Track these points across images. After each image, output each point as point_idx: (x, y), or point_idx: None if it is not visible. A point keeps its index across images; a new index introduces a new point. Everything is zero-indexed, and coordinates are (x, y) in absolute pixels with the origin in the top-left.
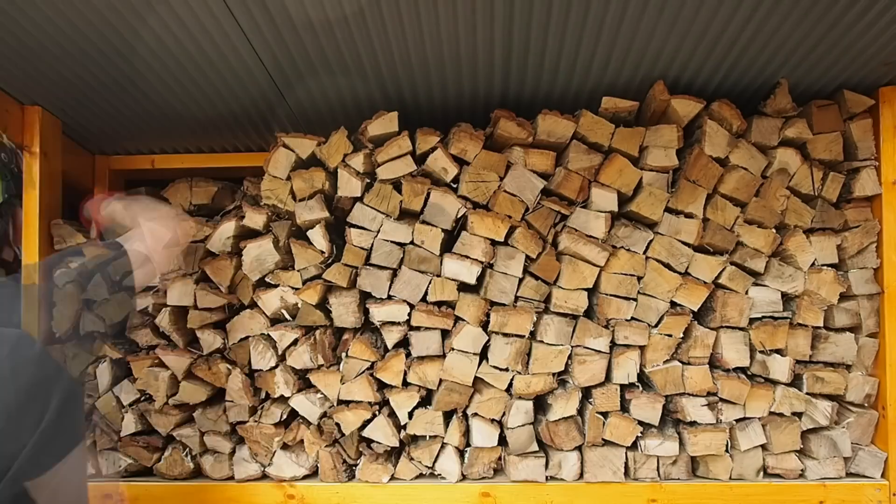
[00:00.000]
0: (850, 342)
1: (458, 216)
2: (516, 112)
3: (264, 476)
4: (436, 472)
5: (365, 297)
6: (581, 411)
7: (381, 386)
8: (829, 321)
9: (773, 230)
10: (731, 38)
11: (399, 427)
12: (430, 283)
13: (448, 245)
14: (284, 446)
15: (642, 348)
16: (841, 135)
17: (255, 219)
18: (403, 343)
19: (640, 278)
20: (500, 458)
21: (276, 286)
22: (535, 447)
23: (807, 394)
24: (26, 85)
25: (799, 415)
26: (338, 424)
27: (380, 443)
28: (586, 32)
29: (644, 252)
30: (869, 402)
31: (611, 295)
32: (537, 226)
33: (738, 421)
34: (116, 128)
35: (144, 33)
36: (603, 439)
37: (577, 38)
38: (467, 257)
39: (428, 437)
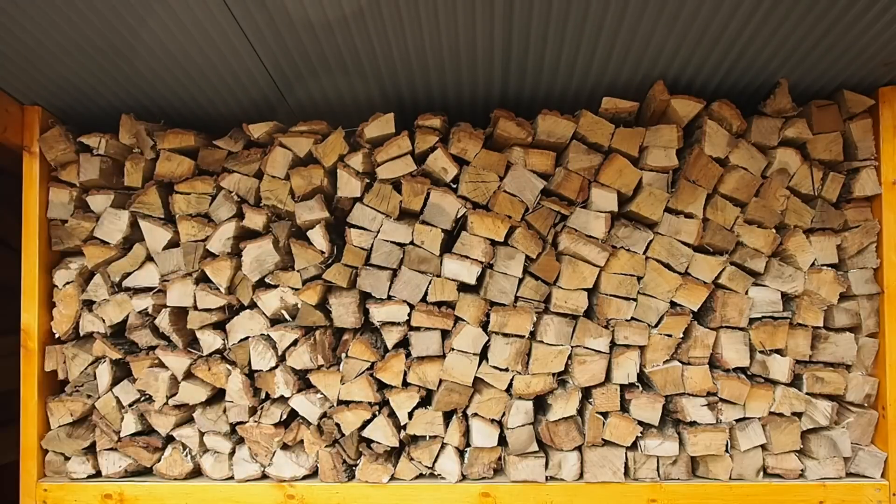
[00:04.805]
0: (850, 342)
1: (458, 216)
2: (516, 112)
3: (264, 476)
4: (436, 473)
5: (365, 297)
6: (581, 411)
7: (381, 386)
8: (829, 321)
9: (773, 230)
10: (731, 38)
11: (399, 427)
12: (430, 283)
13: (448, 245)
14: (284, 446)
15: (642, 348)
16: (841, 135)
17: (254, 219)
18: (403, 343)
19: (640, 278)
20: (500, 458)
21: (275, 286)
22: (535, 447)
23: (807, 394)
24: (26, 85)
25: (799, 415)
26: (338, 424)
27: (380, 443)
28: (586, 32)
29: (644, 252)
30: (869, 402)
31: (611, 295)
32: (537, 226)
33: (738, 421)
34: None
35: (144, 33)
36: (603, 439)
37: (577, 38)
38: (467, 257)
39: (428, 438)
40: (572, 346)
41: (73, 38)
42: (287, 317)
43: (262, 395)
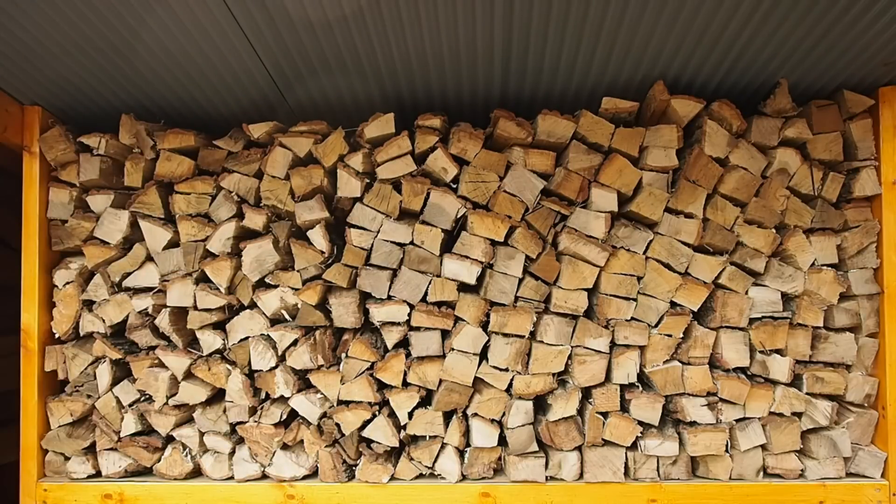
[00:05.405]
0: (850, 342)
1: (458, 216)
2: (516, 112)
3: (264, 476)
4: (436, 473)
5: (365, 297)
6: (581, 411)
7: (381, 386)
8: (829, 321)
9: (773, 230)
10: (731, 38)
11: (399, 427)
12: (430, 283)
13: (448, 245)
14: (284, 446)
15: (642, 348)
16: (841, 135)
17: (254, 219)
18: (403, 343)
19: (640, 278)
20: (500, 458)
21: (275, 286)
22: (535, 447)
23: (807, 394)
24: (26, 85)
25: (799, 415)
26: (338, 424)
27: (380, 443)
28: (586, 32)
29: (644, 252)
30: (869, 402)
31: (611, 295)
32: (537, 226)
33: (738, 421)
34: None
35: (144, 33)
36: (603, 439)
37: (577, 38)
38: (467, 257)
39: (428, 438)
40: (572, 346)
41: (73, 38)
42: (287, 317)
43: (262, 395)
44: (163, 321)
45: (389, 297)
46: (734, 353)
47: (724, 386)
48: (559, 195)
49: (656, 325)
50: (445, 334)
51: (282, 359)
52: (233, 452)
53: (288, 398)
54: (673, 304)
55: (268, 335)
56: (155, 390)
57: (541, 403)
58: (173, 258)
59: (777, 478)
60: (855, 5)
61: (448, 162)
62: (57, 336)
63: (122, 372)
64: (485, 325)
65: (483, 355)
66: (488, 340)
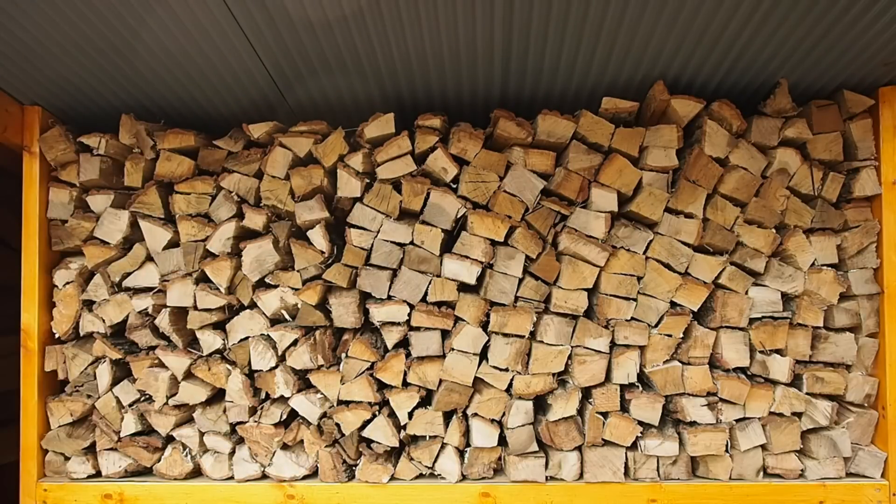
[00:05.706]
0: (850, 342)
1: (458, 216)
2: (516, 112)
3: (264, 476)
4: (436, 473)
5: (365, 297)
6: (581, 411)
7: (381, 386)
8: (828, 321)
9: (773, 230)
10: (731, 38)
11: (399, 427)
12: (430, 283)
13: (448, 245)
14: (284, 446)
15: (642, 348)
16: (841, 135)
17: (254, 219)
18: (403, 343)
19: (640, 278)
20: (499, 458)
21: (275, 286)
22: (535, 447)
23: (807, 394)
24: (26, 85)
25: (799, 415)
26: (338, 424)
27: (380, 443)
28: (586, 32)
29: (644, 252)
30: (869, 402)
31: (611, 295)
32: (537, 226)
33: (738, 421)
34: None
35: (144, 33)
36: (603, 439)
37: (577, 38)
38: (467, 257)
39: (428, 438)
40: (572, 346)
41: (73, 38)
42: (287, 317)
43: (262, 395)
44: (163, 321)
45: (389, 297)
46: (734, 353)
47: (724, 386)
48: (559, 195)
49: (656, 325)
50: (445, 334)
51: (282, 359)
52: (233, 452)
53: (288, 398)
54: (673, 304)
55: (268, 335)
56: (155, 390)
57: (541, 403)
58: (173, 258)
59: (777, 478)
60: (855, 5)
61: (448, 162)
62: (57, 336)
63: (122, 372)
64: (485, 325)
65: (483, 355)
66: (488, 340)
